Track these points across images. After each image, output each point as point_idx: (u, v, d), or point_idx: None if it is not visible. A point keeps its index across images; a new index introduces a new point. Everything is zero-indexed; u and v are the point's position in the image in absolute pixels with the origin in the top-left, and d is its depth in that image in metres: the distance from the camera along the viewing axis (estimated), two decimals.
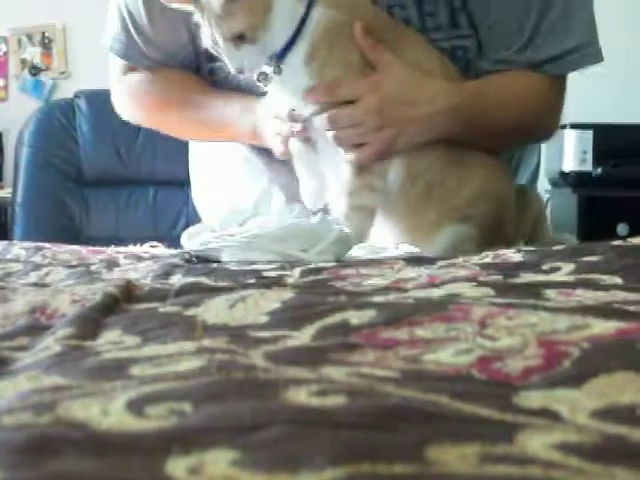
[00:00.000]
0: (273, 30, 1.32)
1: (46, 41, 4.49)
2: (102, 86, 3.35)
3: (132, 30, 1.57)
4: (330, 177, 1.42)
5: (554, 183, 3.55)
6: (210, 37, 1.33)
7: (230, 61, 1.33)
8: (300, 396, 0.47)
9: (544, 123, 1.56)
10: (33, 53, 4.50)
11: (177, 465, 0.38)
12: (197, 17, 1.35)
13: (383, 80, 1.36)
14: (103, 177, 3.15)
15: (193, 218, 3.13)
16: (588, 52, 1.47)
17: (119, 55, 1.64)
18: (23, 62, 4.51)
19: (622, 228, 3.31)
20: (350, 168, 1.37)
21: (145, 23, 1.55)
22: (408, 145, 1.38)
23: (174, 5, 1.38)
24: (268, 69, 1.37)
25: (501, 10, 1.43)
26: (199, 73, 1.62)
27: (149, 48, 1.59)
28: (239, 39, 1.31)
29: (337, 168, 1.39)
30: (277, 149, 1.45)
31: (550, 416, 0.45)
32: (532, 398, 0.48)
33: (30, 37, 4.50)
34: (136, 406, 0.45)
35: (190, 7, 1.35)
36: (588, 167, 3.42)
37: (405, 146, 1.38)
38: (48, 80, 4.49)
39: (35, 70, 4.50)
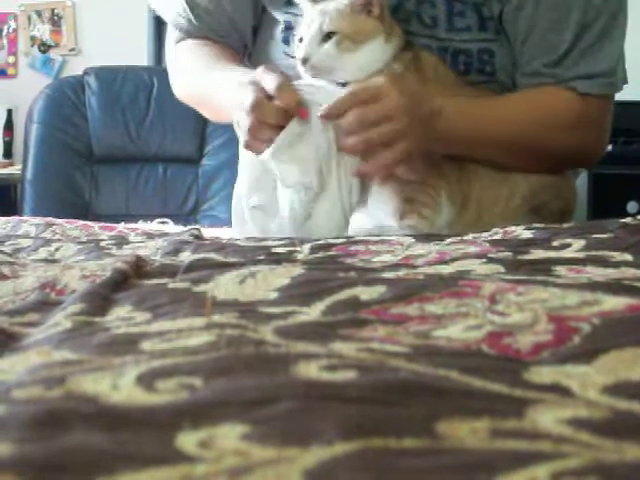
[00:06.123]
0: (358, 55, 1.36)
1: (55, 18, 4.48)
2: (112, 63, 3.38)
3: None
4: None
5: None
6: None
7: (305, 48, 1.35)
8: (310, 371, 0.47)
9: (575, 142, 1.47)
10: (42, 30, 4.50)
11: (187, 439, 0.38)
12: None
13: (399, 78, 1.33)
14: (112, 154, 3.15)
15: (203, 195, 3.15)
16: (612, 80, 1.45)
17: (175, 26, 1.66)
18: (32, 39, 4.50)
19: (632, 206, 3.31)
20: (397, 197, 1.34)
21: None
22: (421, 155, 1.33)
23: None
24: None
25: (534, 26, 1.41)
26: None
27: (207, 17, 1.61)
28: (327, 36, 1.34)
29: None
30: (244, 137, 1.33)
31: (560, 391, 0.45)
32: (542, 373, 0.48)
33: (39, 14, 4.49)
34: (146, 380, 0.46)
35: None
36: None
37: (419, 157, 1.32)
38: (57, 57, 4.48)
39: (44, 47, 4.49)
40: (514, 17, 1.42)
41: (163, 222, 1.64)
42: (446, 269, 0.84)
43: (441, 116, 1.34)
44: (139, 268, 0.84)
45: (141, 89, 3.16)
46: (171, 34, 1.69)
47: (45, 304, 0.72)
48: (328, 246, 1.02)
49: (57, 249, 1.12)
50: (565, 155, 1.47)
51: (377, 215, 1.34)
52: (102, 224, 1.49)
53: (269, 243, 1.08)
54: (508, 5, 1.41)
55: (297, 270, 0.79)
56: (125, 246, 1.15)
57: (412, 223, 1.33)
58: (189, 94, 1.70)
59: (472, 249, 0.96)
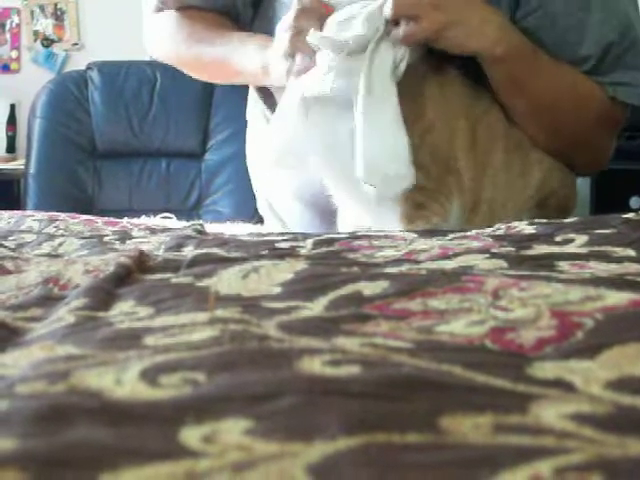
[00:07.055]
0: None
1: (58, 13, 4.47)
2: (115, 58, 3.37)
3: None
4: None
5: None
6: None
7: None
8: (314, 366, 0.47)
9: (592, 135, 1.46)
10: (45, 25, 4.49)
11: (191, 434, 0.38)
12: None
13: None
14: (115, 149, 3.16)
15: (206, 190, 3.15)
16: (638, 91, 1.44)
17: None
18: (35, 34, 4.50)
19: (635, 201, 3.30)
20: (406, 201, 1.32)
21: None
22: (457, 43, 1.29)
23: None
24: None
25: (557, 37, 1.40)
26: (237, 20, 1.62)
27: None
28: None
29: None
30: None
31: (564, 387, 0.45)
32: (546, 369, 0.48)
33: (42, 9, 4.48)
34: (150, 375, 0.46)
35: None
36: None
37: (454, 42, 1.29)
38: (60, 52, 4.48)
39: (47, 42, 4.49)
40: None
41: (166, 217, 1.64)
42: (449, 264, 0.84)
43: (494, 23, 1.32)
44: (142, 263, 0.84)
45: (144, 84, 3.15)
46: (150, 3, 1.69)
47: (48, 299, 0.72)
48: (331, 241, 1.02)
49: (60, 244, 1.12)
50: (579, 142, 1.45)
51: (383, 217, 1.33)
52: (105, 219, 1.49)
53: (272, 238, 1.08)
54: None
55: (300, 265, 0.79)
56: (128, 241, 1.15)
57: (420, 229, 1.31)
58: (181, 57, 1.70)
59: (475, 244, 0.96)
